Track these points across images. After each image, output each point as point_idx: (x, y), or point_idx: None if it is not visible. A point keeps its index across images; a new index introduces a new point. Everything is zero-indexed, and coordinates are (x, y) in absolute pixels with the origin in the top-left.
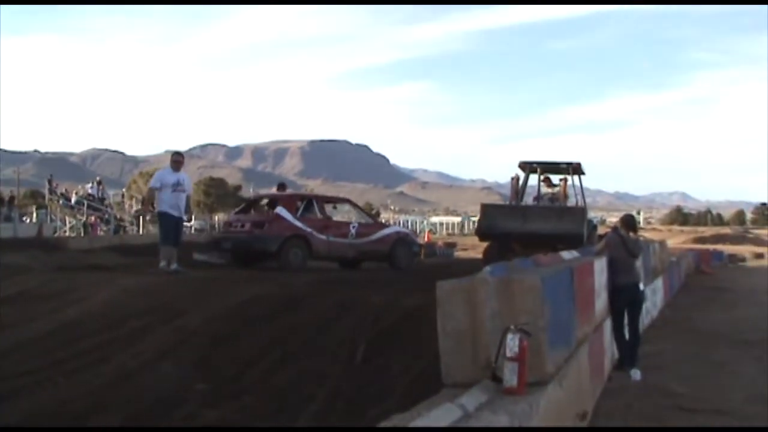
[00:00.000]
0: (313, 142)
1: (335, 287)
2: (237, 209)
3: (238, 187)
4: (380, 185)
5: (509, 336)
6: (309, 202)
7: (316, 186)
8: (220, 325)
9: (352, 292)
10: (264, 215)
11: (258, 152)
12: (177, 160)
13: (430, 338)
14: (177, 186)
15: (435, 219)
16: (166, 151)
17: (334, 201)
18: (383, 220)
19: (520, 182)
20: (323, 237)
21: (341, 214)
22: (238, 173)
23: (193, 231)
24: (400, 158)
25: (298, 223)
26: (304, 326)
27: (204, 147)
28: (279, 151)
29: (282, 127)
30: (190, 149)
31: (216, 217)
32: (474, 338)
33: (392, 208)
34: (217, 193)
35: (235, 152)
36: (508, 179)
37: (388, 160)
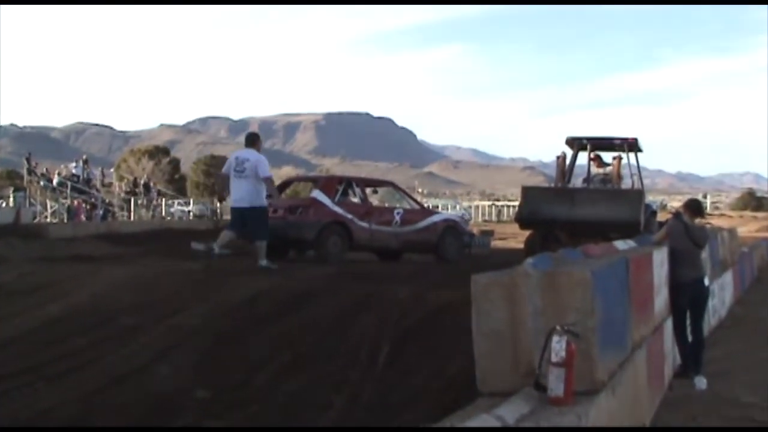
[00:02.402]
0: (329, 116)
1: (354, 280)
2: (266, 193)
3: None
4: (406, 164)
5: (555, 338)
6: (348, 185)
7: (332, 165)
8: (223, 323)
9: (373, 286)
10: (299, 199)
11: (266, 127)
12: (248, 136)
13: (463, 340)
14: (237, 169)
15: (468, 203)
16: (161, 126)
17: (376, 184)
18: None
19: (567, 161)
20: (365, 224)
21: (385, 198)
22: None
23: (191, 217)
24: (428, 133)
25: (338, 209)
26: (319, 325)
27: (204, 120)
28: (290, 126)
29: (293, 98)
30: (188, 123)
31: (218, 202)
32: (514, 340)
33: (420, 190)
34: (214, 173)
35: (239, 126)
36: (553, 158)
37: (415, 136)
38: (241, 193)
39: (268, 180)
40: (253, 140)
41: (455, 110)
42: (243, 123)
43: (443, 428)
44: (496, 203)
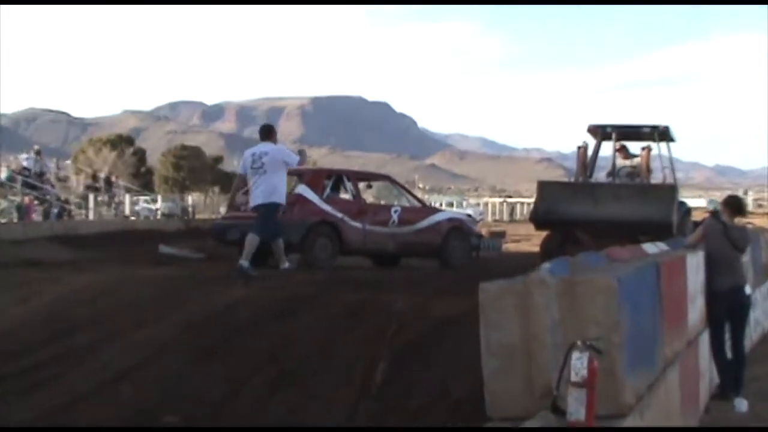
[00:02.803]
0: (316, 100)
1: (345, 288)
2: (245, 188)
3: (219, 158)
4: (405, 155)
5: (575, 354)
6: (338, 179)
7: (320, 157)
8: (198, 336)
9: (368, 294)
10: None
11: (245, 113)
12: (262, 129)
13: (470, 356)
14: (254, 166)
15: (477, 200)
16: (125, 112)
17: (371, 178)
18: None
19: (590, 152)
20: (357, 224)
21: (380, 194)
22: (218, 140)
23: (159, 216)
24: (431, 120)
25: (327, 207)
26: (306, 338)
27: (174, 106)
28: (272, 111)
29: (276, 80)
30: (156, 109)
31: (190, 198)
32: (528, 357)
33: (420, 185)
34: (190, 165)
35: (214, 112)
36: (573, 148)
37: (415, 123)
38: (258, 191)
39: (300, 164)
40: (268, 132)
41: (461, 94)
42: (218, 109)
43: (450, 428)
44: (508, 200)
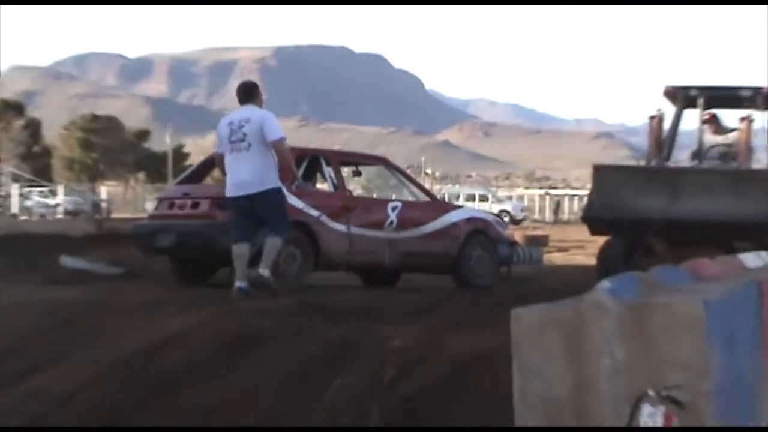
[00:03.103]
0: (281, 51)
1: (321, 318)
2: (182, 176)
3: (145, 133)
4: (407, 129)
5: (646, 408)
6: (313, 162)
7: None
8: (111, 389)
9: (354, 326)
10: None
11: (181, 69)
12: (243, 88)
13: (499, 412)
14: (233, 138)
15: (509, 192)
16: (13, 68)
17: (359, 161)
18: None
19: (667, 125)
20: (340, 226)
21: (373, 184)
22: (143, 106)
23: (60, 214)
24: (443, 81)
25: (296, 201)
26: (262, 395)
27: (81, 60)
28: (218, 68)
29: (225, 24)
30: (55, 64)
31: (104, 190)
32: (579, 412)
33: (429, 172)
34: (105, 143)
35: (137, 69)
36: (644, 120)
37: (422, 85)
38: (241, 175)
39: (280, 144)
40: (250, 92)
41: (486, 44)
42: (143, 64)
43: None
44: (552, 192)
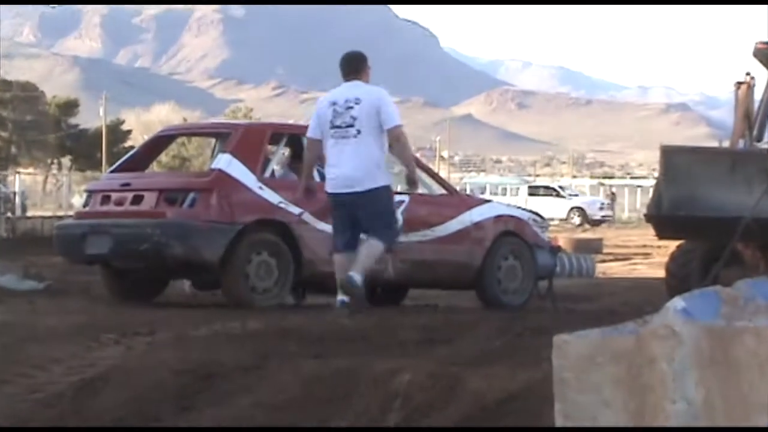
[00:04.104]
0: None
1: (305, 347)
2: (121, 161)
3: (71, 104)
4: (416, 100)
5: None
6: (292, 143)
7: (259, 102)
8: None
9: (348, 357)
10: (186, 175)
11: (118, 22)
12: (347, 59)
13: None
14: (337, 123)
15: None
16: None
17: None
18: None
19: (758, 95)
20: (329, 227)
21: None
22: (70, 70)
23: None
24: (464, 37)
25: (271, 195)
26: None
27: None
28: (167, 20)
29: None
30: None
31: (17, 179)
32: None
33: (445, 155)
34: (18, 118)
35: (62, 22)
36: (729, 88)
37: (436, 40)
38: (346, 168)
39: (399, 133)
40: (357, 65)
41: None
42: (70, 14)
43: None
44: (607, 182)
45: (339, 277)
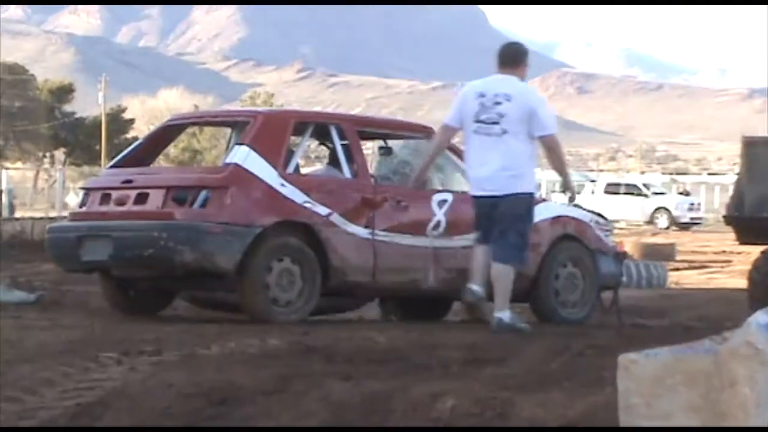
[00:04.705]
0: None
1: (334, 367)
2: (122, 155)
3: (66, 89)
4: (460, 83)
5: None
6: (319, 133)
7: (280, 86)
8: None
9: (382, 380)
10: (198, 171)
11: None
12: (507, 49)
13: None
14: (482, 118)
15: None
16: None
17: (390, 132)
18: None
19: None
20: (361, 230)
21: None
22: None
23: None
24: (516, 15)
25: (294, 192)
26: None
27: None
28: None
29: None
30: None
31: (3, 175)
32: None
33: None
34: (6, 105)
35: None
36: None
37: (484, 18)
38: (487, 169)
39: (553, 142)
40: (515, 59)
41: None
42: None
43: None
44: (679, 179)
45: (474, 267)
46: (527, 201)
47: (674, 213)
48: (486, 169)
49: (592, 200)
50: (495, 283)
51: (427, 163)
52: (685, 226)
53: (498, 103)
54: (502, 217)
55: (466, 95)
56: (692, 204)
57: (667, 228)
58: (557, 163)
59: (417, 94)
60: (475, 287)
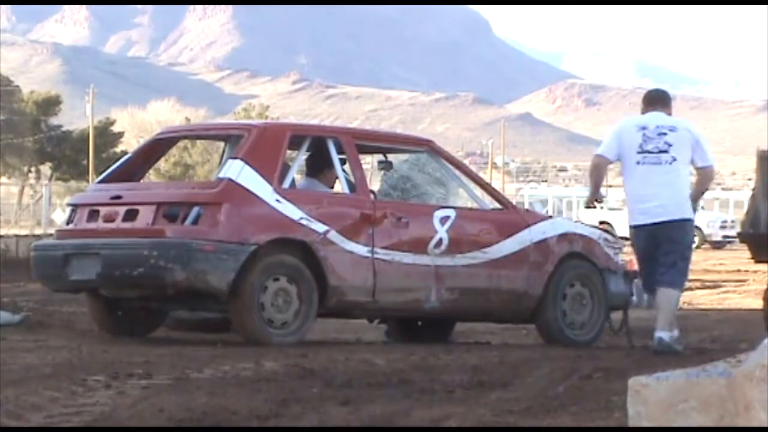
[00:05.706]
0: None
1: (331, 392)
2: (111, 169)
3: (52, 101)
4: (465, 96)
5: None
6: (317, 147)
7: (275, 97)
8: None
9: (381, 403)
10: (190, 186)
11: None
12: (658, 92)
13: None
14: (646, 148)
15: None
16: None
17: (390, 147)
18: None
19: None
20: (359, 248)
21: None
22: (50, 61)
23: None
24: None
25: (290, 209)
26: None
27: None
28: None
29: None
30: None
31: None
32: None
33: (498, 162)
34: None
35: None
36: None
37: (487, 27)
38: (661, 196)
39: (710, 175)
40: (664, 98)
41: None
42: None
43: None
44: None
45: (663, 315)
46: (691, 227)
47: (706, 231)
48: (655, 196)
49: (603, 215)
50: (660, 306)
51: (595, 192)
52: (718, 245)
53: (663, 134)
54: (669, 242)
55: (625, 128)
56: (725, 221)
57: (698, 247)
58: (701, 193)
59: (418, 106)
60: (665, 334)
